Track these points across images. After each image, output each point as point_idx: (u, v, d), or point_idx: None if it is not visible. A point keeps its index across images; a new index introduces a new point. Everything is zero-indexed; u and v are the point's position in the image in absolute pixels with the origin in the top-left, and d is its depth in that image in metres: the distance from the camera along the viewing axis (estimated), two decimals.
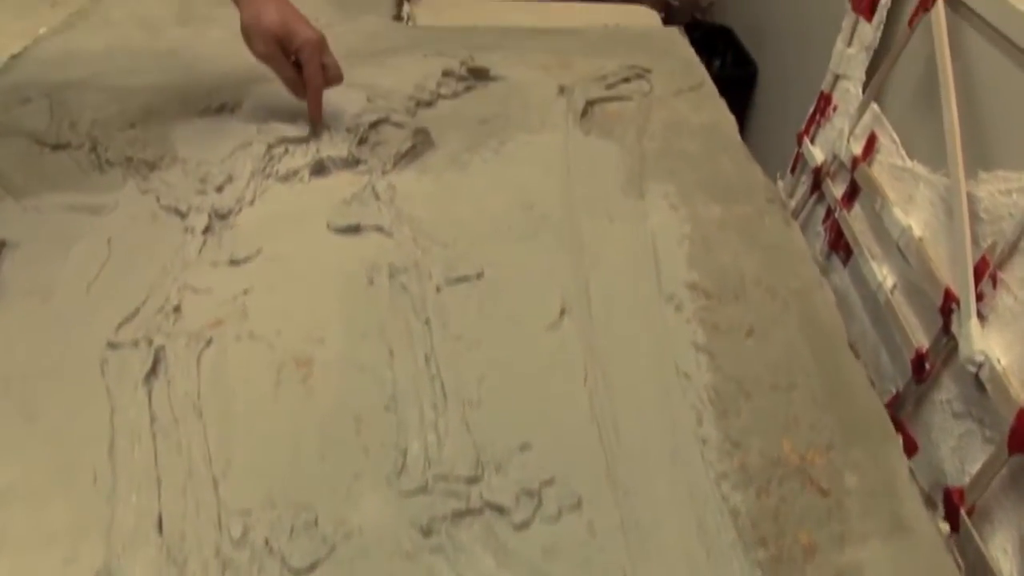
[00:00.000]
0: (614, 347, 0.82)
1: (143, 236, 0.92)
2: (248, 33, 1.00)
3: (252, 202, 0.98)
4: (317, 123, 1.04)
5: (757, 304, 0.88)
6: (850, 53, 1.65)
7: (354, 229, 0.95)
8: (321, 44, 1.01)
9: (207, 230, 0.93)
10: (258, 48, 1.00)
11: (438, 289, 0.88)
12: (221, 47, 1.26)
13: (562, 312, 0.86)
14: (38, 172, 1.01)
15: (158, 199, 0.96)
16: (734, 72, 2.24)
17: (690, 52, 1.37)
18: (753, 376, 0.81)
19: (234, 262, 0.90)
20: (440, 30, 1.42)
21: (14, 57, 1.27)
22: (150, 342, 0.80)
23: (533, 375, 0.79)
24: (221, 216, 0.96)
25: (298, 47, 0.99)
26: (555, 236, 0.96)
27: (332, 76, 1.02)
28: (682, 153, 1.11)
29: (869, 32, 1.58)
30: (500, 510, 0.68)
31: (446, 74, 1.22)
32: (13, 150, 1.05)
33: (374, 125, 1.10)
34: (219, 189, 0.98)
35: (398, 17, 1.44)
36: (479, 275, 0.90)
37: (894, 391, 1.33)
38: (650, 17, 1.54)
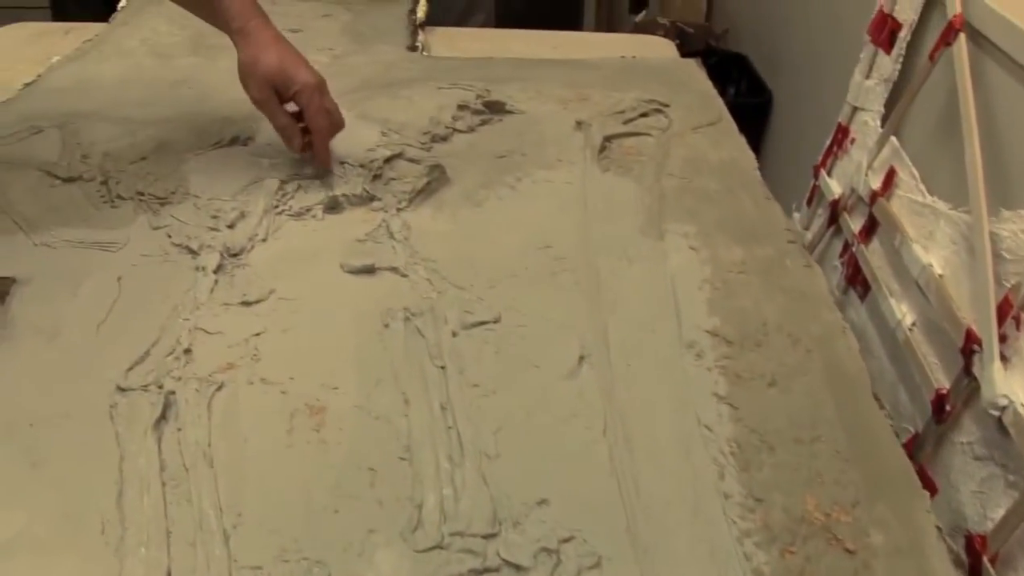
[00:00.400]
0: (634, 396, 0.80)
1: (154, 274, 0.90)
2: (243, 76, 0.99)
3: (265, 239, 0.96)
4: (326, 168, 1.02)
5: (779, 351, 0.86)
6: (868, 85, 1.63)
7: (368, 270, 0.94)
8: (321, 87, 0.99)
9: (219, 269, 0.91)
10: (252, 93, 0.99)
11: (454, 334, 0.86)
12: (233, 76, 1.24)
13: (580, 359, 0.85)
14: (49, 205, 1.00)
15: (169, 236, 0.95)
16: (749, 100, 2.23)
17: (707, 85, 1.36)
18: (776, 428, 0.79)
19: (246, 303, 0.89)
20: (455, 61, 1.41)
21: (27, 86, 1.27)
22: (160, 387, 0.79)
23: (551, 426, 0.77)
24: (233, 254, 0.95)
25: (296, 92, 0.98)
26: (573, 278, 0.94)
27: (333, 122, 0.99)
28: (701, 191, 1.10)
29: (888, 64, 1.56)
30: (518, 568, 0.66)
31: (461, 107, 1.20)
32: (24, 182, 1.04)
33: (389, 160, 1.08)
34: (231, 226, 0.97)
35: (413, 47, 1.42)
36: (496, 320, 0.88)
37: (913, 431, 1.31)
38: (667, 48, 1.53)
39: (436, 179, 1.05)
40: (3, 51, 1.45)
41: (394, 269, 0.94)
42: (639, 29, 2.48)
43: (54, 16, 2.53)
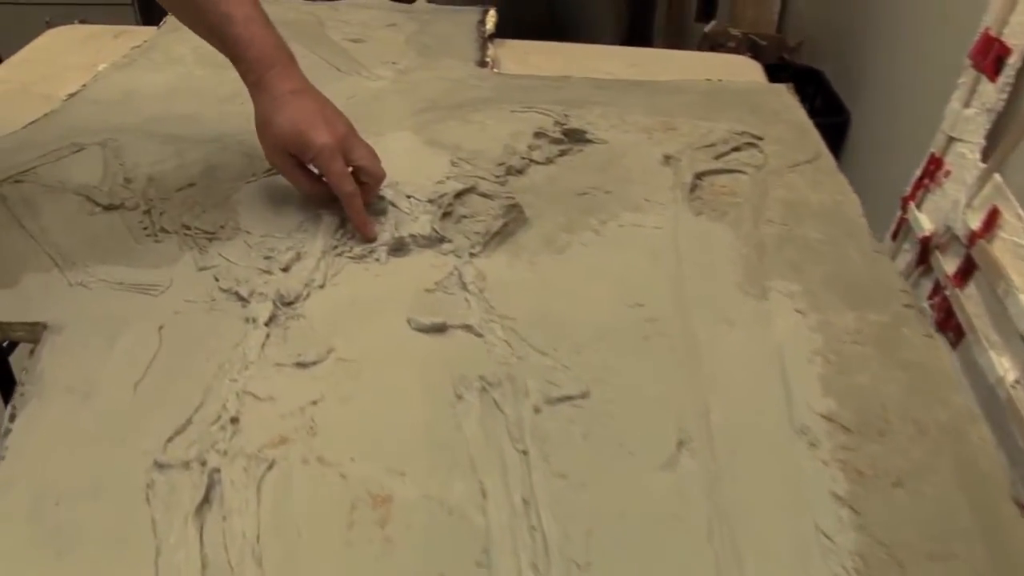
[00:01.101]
0: (741, 493, 0.70)
1: (199, 325, 0.81)
2: (259, 138, 0.91)
3: (323, 286, 0.87)
4: (366, 235, 0.92)
5: (904, 443, 0.75)
6: (968, 114, 1.51)
7: (439, 328, 0.84)
8: (343, 144, 0.88)
9: (271, 320, 0.82)
10: (268, 157, 0.91)
11: (537, 410, 0.77)
12: None
13: (679, 444, 0.75)
14: (87, 237, 0.92)
15: (217, 279, 0.86)
16: (824, 120, 2.09)
17: (802, 115, 1.26)
18: (904, 540, 0.68)
19: (302, 364, 0.80)
20: (528, 79, 1.32)
21: (71, 96, 1.19)
22: (203, 463, 0.69)
23: (648, 528, 0.68)
24: (287, 303, 0.85)
25: (313, 157, 0.88)
26: (667, 344, 0.85)
27: (368, 176, 0.90)
28: (804, 242, 0.99)
29: (992, 93, 1.44)
30: None
31: (538, 135, 1.11)
32: (62, 209, 0.96)
33: (460, 195, 0.98)
34: (285, 269, 0.88)
35: (482, 63, 1.31)
36: (584, 395, 0.79)
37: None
38: (753, 70, 1.41)
39: (513, 220, 0.95)
40: (51, 56, 1.37)
41: (467, 327, 0.85)
42: (709, 39, 2.36)
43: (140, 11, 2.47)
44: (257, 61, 0.87)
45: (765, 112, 1.26)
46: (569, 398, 0.78)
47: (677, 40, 2.50)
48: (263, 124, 0.88)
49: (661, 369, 0.82)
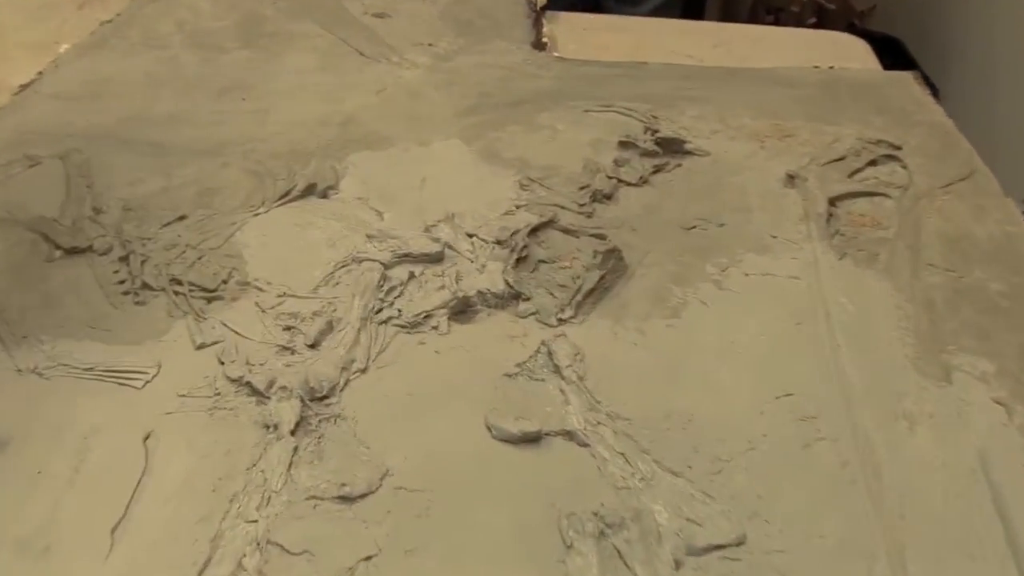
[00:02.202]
0: None
1: (200, 433, 0.65)
2: None
3: (365, 370, 0.70)
4: None
5: None
6: None
7: (531, 439, 0.66)
8: None
9: (299, 427, 0.65)
10: None
11: (677, 565, 0.59)
12: (303, 81, 0.94)
13: None
14: (43, 297, 0.76)
15: (221, 362, 0.70)
16: None
17: (940, 114, 1.08)
18: None
19: (346, 499, 0.61)
20: (597, 66, 1.13)
21: (22, 89, 1.01)
22: None
23: None
24: (319, 397, 0.68)
25: None
26: (835, 455, 0.66)
27: None
28: (982, 295, 0.81)
29: None
30: None
31: (625, 145, 0.95)
32: (12, 251, 0.80)
33: (535, 231, 0.83)
34: (314, 345, 0.72)
35: (538, 43, 1.11)
36: (739, 541, 0.60)
37: None
38: (860, 50, 1.26)
39: (611, 270, 0.79)
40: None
41: (568, 434, 0.67)
42: (765, 3, 2.14)
43: None
44: None
45: (893, 110, 1.07)
46: (719, 547, 0.60)
47: (731, 4, 2.28)
48: None
49: (833, 494, 0.64)
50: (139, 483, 0.61)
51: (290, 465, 0.63)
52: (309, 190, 0.87)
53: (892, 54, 1.94)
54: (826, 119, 1.04)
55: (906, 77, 1.17)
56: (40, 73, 1.05)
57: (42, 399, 0.67)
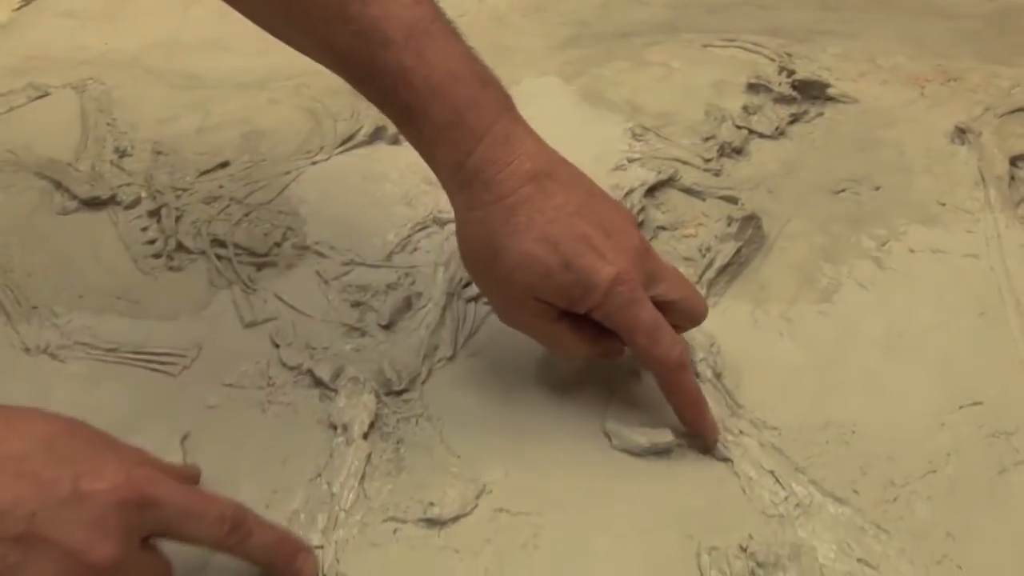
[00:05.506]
0: None
1: (246, 436, 0.62)
2: (476, 270, 0.63)
3: (452, 357, 0.68)
4: (712, 435, 0.62)
5: None
6: None
7: (661, 450, 0.61)
8: (640, 273, 0.59)
9: (373, 428, 0.62)
10: (502, 311, 0.63)
11: None
12: None
13: None
14: (57, 257, 0.75)
15: (276, 344, 0.67)
16: None
17: None
18: None
19: (434, 522, 0.57)
20: None
21: (26, 3, 1.01)
22: None
23: None
24: (396, 391, 0.64)
25: (598, 304, 0.58)
26: None
27: (684, 316, 0.62)
28: None
29: None
30: None
31: (755, 88, 0.91)
32: (17, 201, 0.78)
33: (652, 191, 0.79)
34: (388, 325, 0.69)
35: None
36: None
37: None
38: None
39: (747, 242, 0.75)
40: None
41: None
42: None
43: None
44: (452, 126, 0.58)
45: None
46: None
47: None
48: (486, 253, 0.59)
49: None
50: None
51: (363, 477, 0.60)
52: (377, 134, 0.85)
53: None
54: (1001, 59, 1.00)
55: None
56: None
57: (55, 386, 0.66)
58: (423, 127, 0.58)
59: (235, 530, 0.49)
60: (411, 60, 0.56)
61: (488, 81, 0.58)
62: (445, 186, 0.60)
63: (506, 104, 0.59)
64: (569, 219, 0.57)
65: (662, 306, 0.59)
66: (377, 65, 0.57)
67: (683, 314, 0.61)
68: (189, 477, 0.56)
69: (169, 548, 0.50)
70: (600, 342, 0.61)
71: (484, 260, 0.59)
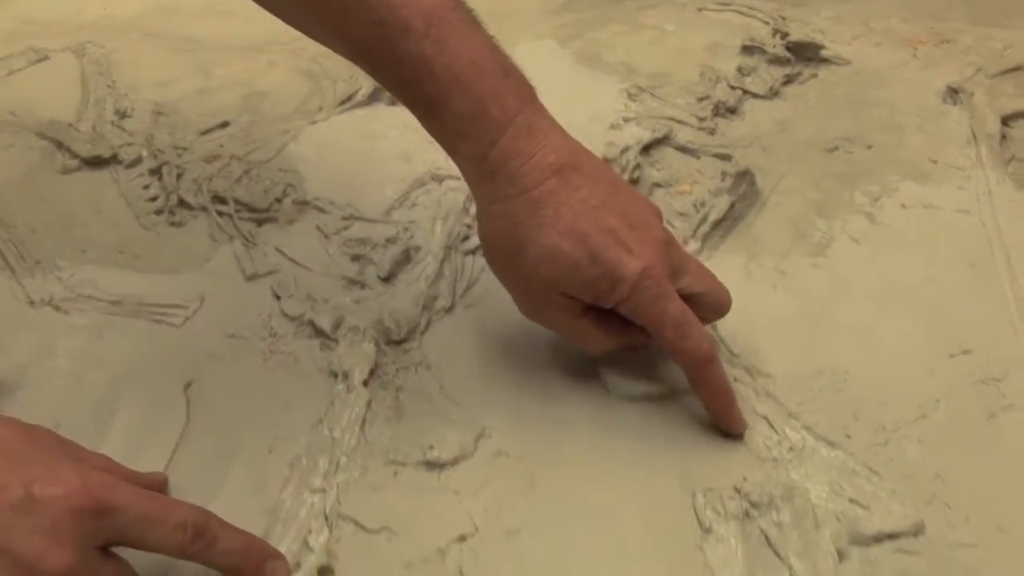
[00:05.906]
0: None
1: (249, 384, 0.63)
2: (498, 266, 0.62)
3: (451, 308, 0.69)
4: (738, 428, 0.62)
5: None
6: None
7: (657, 396, 0.63)
8: (666, 265, 0.59)
9: (374, 375, 0.63)
10: (525, 306, 0.62)
11: (841, 557, 0.55)
12: None
13: None
14: (60, 214, 0.75)
15: (277, 296, 0.68)
16: None
17: None
18: None
19: (433, 464, 0.58)
20: None
21: None
22: None
23: None
24: (397, 340, 0.65)
25: (625, 298, 0.58)
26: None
27: (710, 309, 0.62)
28: None
29: None
30: None
31: (749, 50, 0.93)
32: (20, 160, 0.78)
33: (648, 149, 0.80)
34: (388, 278, 0.70)
35: None
36: (916, 530, 0.56)
37: None
38: None
39: (742, 196, 0.76)
40: None
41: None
42: None
43: None
44: (475, 117, 0.57)
45: None
46: (892, 536, 0.56)
47: None
48: (510, 246, 0.59)
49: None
50: (178, 442, 0.60)
51: (363, 423, 0.61)
52: (375, 95, 0.85)
53: None
54: (994, 21, 1.01)
55: None
56: None
57: (60, 337, 0.66)
58: (446, 118, 0.57)
59: (198, 537, 0.47)
60: (432, 49, 0.55)
61: (510, 71, 0.58)
62: (467, 178, 0.59)
63: (528, 95, 0.58)
64: (595, 212, 0.57)
65: (687, 298, 0.59)
66: (397, 54, 0.56)
67: (708, 306, 0.61)
68: (154, 484, 0.54)
69: (134, 557, 0.49)
70: (625, 335, 0.61)
71: (508, 254, 0.59)
